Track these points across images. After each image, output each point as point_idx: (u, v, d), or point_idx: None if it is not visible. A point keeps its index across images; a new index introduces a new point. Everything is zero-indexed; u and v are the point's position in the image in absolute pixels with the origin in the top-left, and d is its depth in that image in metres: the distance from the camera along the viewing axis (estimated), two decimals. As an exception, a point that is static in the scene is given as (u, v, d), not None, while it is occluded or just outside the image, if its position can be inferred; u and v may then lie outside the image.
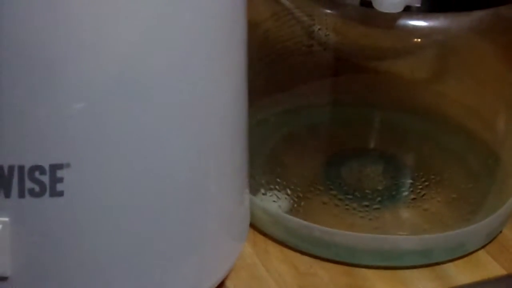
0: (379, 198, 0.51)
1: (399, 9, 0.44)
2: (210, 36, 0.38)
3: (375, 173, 0.54)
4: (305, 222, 0.49)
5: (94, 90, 0.35)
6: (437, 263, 0.49)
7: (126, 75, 0.36)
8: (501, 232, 0.52)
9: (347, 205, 0.51)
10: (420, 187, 0.52)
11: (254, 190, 0.51)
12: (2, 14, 0.33)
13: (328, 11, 0.49)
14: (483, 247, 0.51)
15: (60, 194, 0.36)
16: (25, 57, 0.34)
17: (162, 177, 0.38)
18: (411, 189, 0.52)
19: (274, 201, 0.51)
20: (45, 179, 0.35)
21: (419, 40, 0.49)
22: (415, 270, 0.49)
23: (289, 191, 0.51)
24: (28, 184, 0.35)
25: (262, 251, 0.50)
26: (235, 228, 0.45)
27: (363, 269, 0.49)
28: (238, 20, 0.41)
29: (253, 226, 0.50)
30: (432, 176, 0.52)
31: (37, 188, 0.35)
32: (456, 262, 0.50)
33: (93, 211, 0.37)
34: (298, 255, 0.50)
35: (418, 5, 0.44)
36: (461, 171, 0.54)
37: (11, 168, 0.35)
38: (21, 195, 0.35)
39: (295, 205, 0.51)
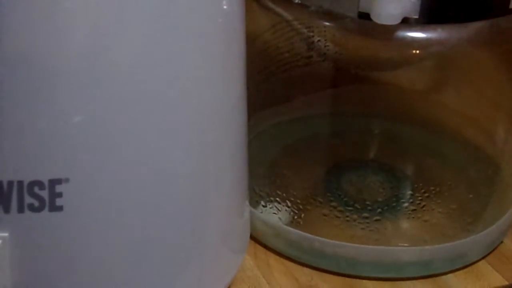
0: (379, 210, 0.51)
1: (397, 21, 0.43)
2: (208, 48, 0.38)
3: (375, 185, 0.53)
4: (306, 234, 0.49)
5: (93, 104, 0.35)
6: (438, 274, 0.49)
7: (124, 88, 0.36)
8: (502, 242, 0.52)
9: (347, 216, 0.51)
10: (420, 198, 0.52)
11: (254, 202, 0.51)
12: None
13: (327, 23, 0.49)
14: (484, 257, 0.51)
15: (60, 209, 0.35)
16: (23, 72, 0.34)
17: (162, 190, 0.38)
18: (411, 200, 0.52)
19: (274, 213, 0.51)
20: (44, 194, 0.35)
21: (417, 51, 0.49)
22: (415, 281, 0.49)
23: (289, 203, 0.51)
24: (28, 199, 0.35)
25: (263, 263, 0.50)
26: (235, 241, 0.45)
27: (364, 281, 0.49)
28: (236, 32, 0.41)
29: (253, 238, 0.50)
30: (432, 187, 0.52)
31: (36, 203, 0.35)
32: (457, 273, 0.50)
33: (92, 226, 0.37)
34: (299, 267, 0.49)
35: (416, 16, 0.44)
36: (461, 181, 0.54)
37: (10, 183, 0.35)
38: (21, 210, 0.35)
39: (296, 217, 0.51)
